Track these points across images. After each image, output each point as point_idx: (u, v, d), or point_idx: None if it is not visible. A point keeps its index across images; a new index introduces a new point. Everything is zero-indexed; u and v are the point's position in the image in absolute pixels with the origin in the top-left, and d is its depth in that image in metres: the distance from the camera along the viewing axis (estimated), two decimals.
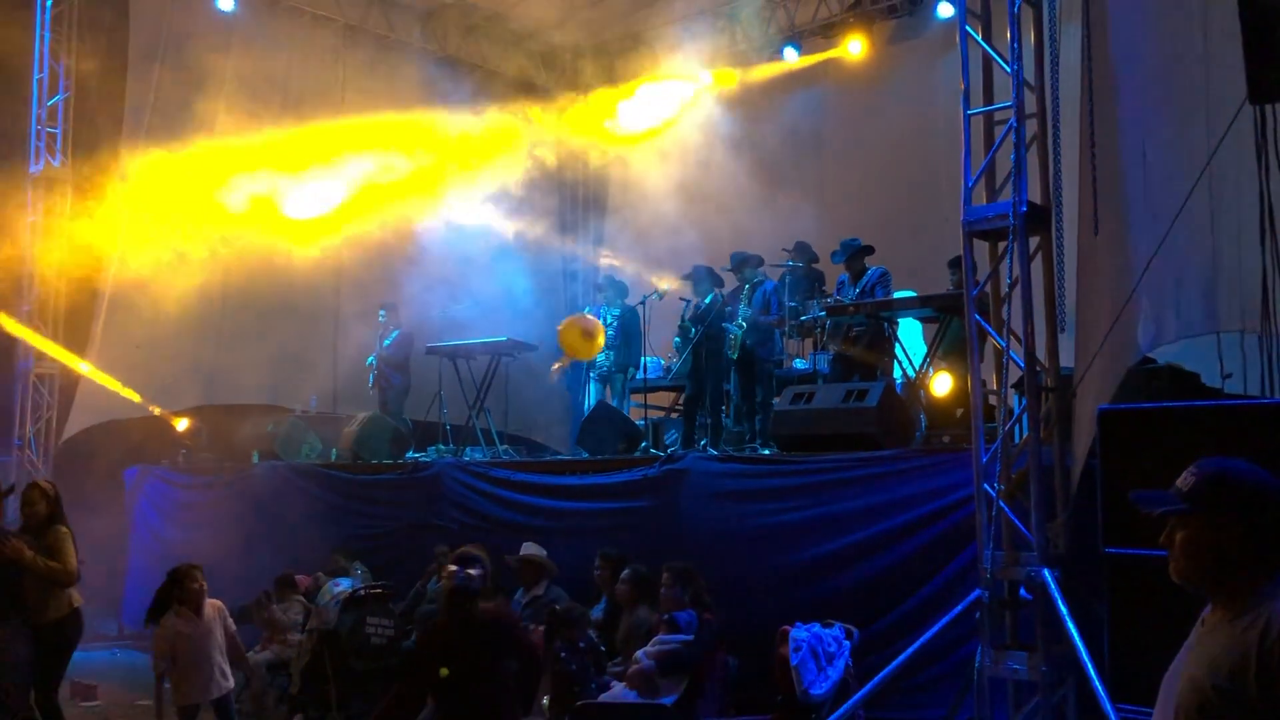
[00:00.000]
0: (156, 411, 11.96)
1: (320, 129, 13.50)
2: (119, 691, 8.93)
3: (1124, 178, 5.59)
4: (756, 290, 9.81)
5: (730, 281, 10.24)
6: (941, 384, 7.65)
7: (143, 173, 12.22)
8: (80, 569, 6.43)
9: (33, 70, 12.03)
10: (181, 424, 12.05)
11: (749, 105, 13.85)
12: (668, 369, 11.31)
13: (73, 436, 12.03)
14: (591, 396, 11.36)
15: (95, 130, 12.09)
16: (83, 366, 11.76)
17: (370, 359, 12.06)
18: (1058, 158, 5.81)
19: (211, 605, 6.34)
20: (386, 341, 11.93)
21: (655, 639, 6.29)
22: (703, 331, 9.74)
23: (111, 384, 11.67)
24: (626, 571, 7.08)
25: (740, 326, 9.68)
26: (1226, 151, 4.95)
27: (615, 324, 11.05)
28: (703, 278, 10.26)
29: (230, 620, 6.47)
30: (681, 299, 10.67)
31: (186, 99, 12.55)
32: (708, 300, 10.17)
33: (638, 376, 10.93)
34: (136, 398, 11.79)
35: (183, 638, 6.12)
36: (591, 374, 11.41)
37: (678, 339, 10.73)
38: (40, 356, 11.93)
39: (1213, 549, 2.30)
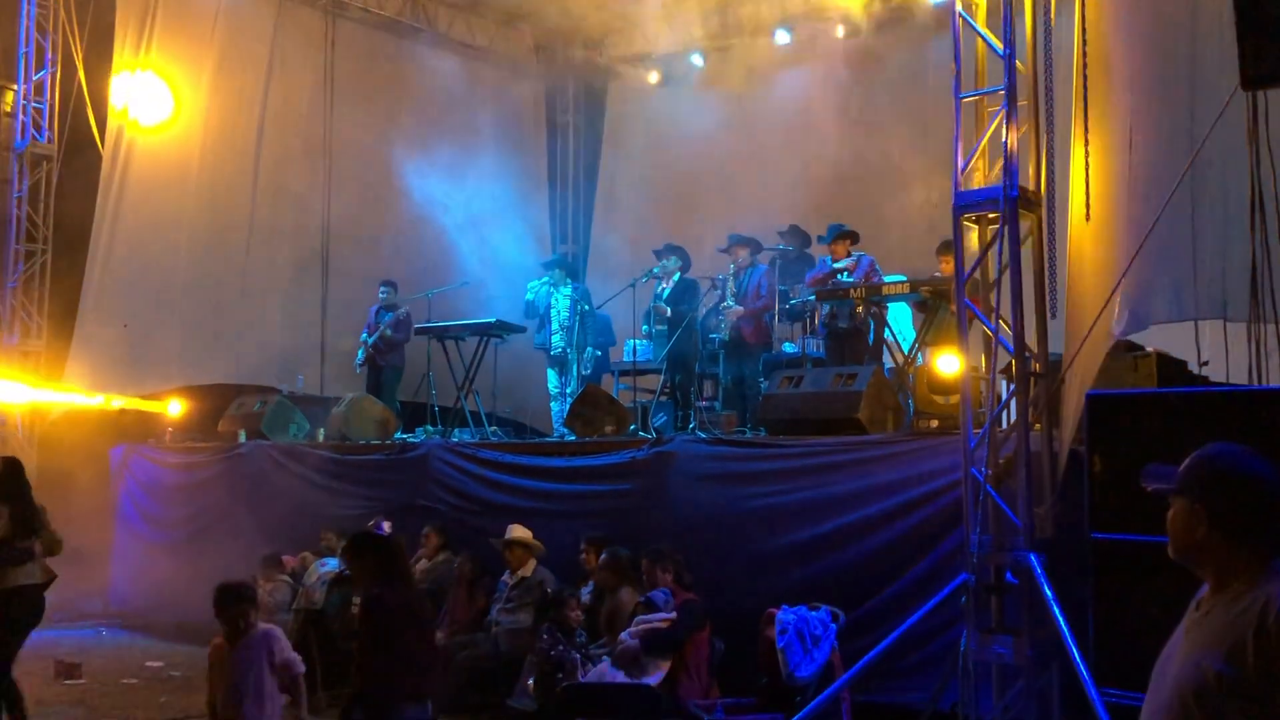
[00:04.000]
0: (141, 405, 11.88)
1: (306, 106, 13.45)
2: (103, 670, 8.91)
3: (1113, 164, 5.57)
4: (746, 273, 9.80)
5: (721, 263, 10.23)
6: (948, 363, 7.54)
7: (129, 150, 12.14)
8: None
9: (18, 45, 11.93)
10: (173, 405, 11.97)
11: (739, 86, 13.81)
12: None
13: (60, 414, 11.96)
14: (551, 381, 11.31)
15: (82, 105, 11.99)
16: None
17: (364, 335, 11.89)
18: (1051, 142, 5.80)
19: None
20: (388, 318, 11.78)
21: (637, 619, 6.31)
22: (689, 314, 9.76)
23: (90, 396, 11.60)
24: (604, 556, 7.09)
25: (730, 308, 9.68)
26: (1209, 138, 4.93)
27: (569, 305, 10.97)
28: (672, 256, 10.26)
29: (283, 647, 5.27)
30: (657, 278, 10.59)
31: (173, 74, 12.46)
32: (675, 279, 10.17)
33: (626, 358, 10.91)
34: (119, 402, 11.72)
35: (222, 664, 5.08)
36: (548, 362, 11.28)
37: (645, 325, 10.64)
38: (25, 332, 11.86)
39: (1193, 531, 2.38)
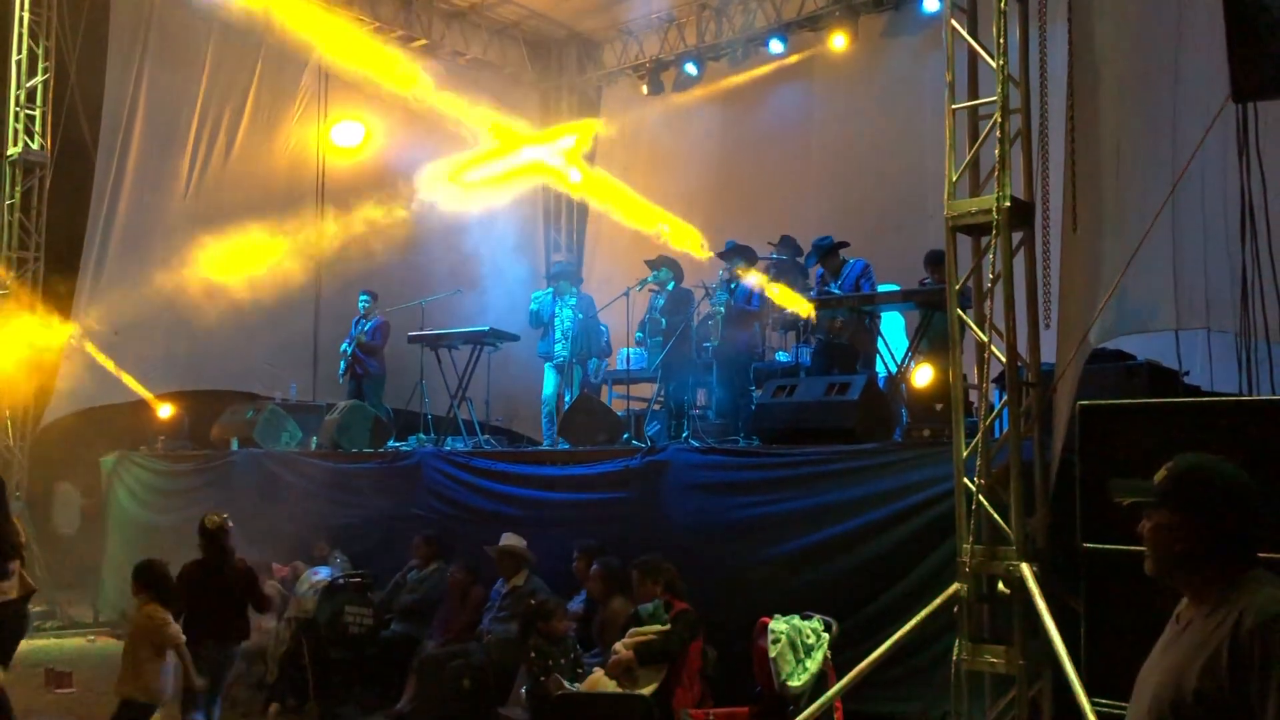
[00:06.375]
0: (147, 396, 11.84)
1: (300, 113, 13.46)
2: (93, 679, 8.86)
3: (1101, 175, 5.60)
4: (740, 282, 9.81)
5: (714, 272, 10.24)
6: (923, 375, 7.66)
7: (122, 156, 12.13)
8: None
9: (11, 51, 11.92)
10: (164, 410, 11.95)
11: (733, 97, 13.85)
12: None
13: (51, 423, 11.93)
14: (548, 385, 11.30)
15: (75, 112, 11.99)
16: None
17: (345, 345, 11.90)
18: (1045, 153, 5.81)
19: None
20: (366, 326, 11.81)
21: (629, 631, 6.30)
22: (683, 323, 9.77)
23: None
24: (596, 565, 7.07)
25: (720, 314, 9.69)
26: (1190, 149, 4.95)
27: (572, 314, 10.97)
28: (663, 268, 10.27)
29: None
30: (651, 289, 10.60)
31: (167, 81, 12.46)
32: (670, 288, 10.19)
33: (620, 367, 10.90)
34: (136, 385, 11.69)
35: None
36: (548, 364, 11.30)
37: (640, 333, 10.64)
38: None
39: (1174, 544, 2.38)
